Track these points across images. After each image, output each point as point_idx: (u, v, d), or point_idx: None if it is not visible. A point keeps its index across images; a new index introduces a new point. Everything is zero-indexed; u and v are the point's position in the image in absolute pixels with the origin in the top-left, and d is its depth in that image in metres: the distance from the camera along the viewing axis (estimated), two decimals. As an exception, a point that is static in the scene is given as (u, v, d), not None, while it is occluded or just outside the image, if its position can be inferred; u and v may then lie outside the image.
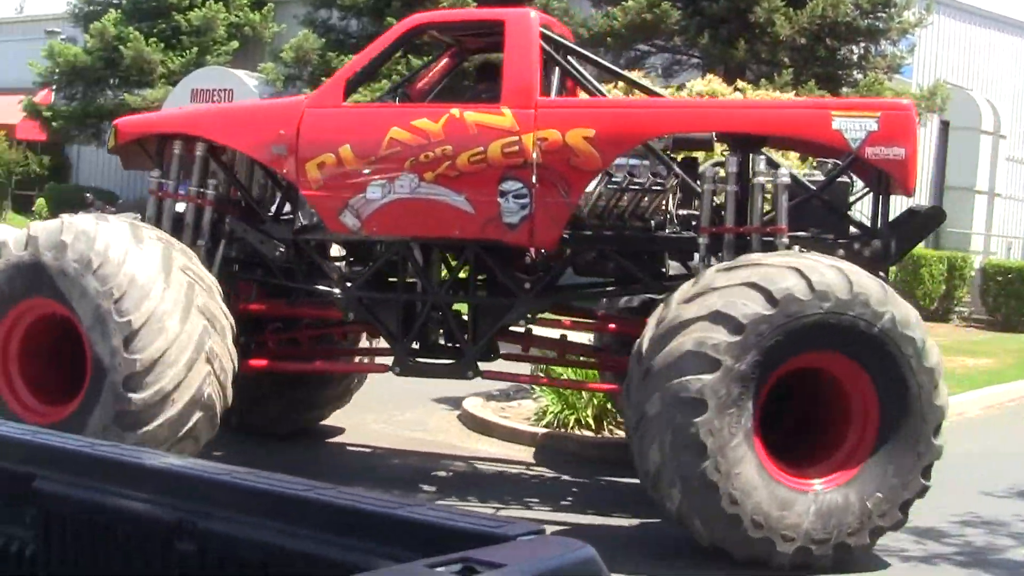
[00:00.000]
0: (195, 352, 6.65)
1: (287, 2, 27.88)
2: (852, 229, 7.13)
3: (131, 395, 6.48)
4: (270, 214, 7.91)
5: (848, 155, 6.78)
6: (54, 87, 29.22)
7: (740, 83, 19.73)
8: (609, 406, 9.08)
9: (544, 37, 7.23)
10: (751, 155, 6.87)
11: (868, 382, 6.01)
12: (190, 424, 6.70)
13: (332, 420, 9.33)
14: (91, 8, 27.25)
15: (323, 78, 23.64)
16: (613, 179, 7.06)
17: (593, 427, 9.17)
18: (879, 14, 20.39)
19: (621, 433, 8.84)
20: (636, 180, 7.04)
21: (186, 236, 7.65)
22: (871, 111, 6.81)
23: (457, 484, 7.90)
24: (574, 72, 7.43)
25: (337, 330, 8.40)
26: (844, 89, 20.03)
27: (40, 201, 31.01)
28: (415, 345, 7.87)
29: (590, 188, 7.12)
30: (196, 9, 26.48)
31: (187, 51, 26.23)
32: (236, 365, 7.11)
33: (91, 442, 1.96)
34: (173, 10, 26.40)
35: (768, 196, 7.02)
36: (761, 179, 6.79)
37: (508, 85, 7.05)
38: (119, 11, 26.73)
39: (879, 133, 6.66)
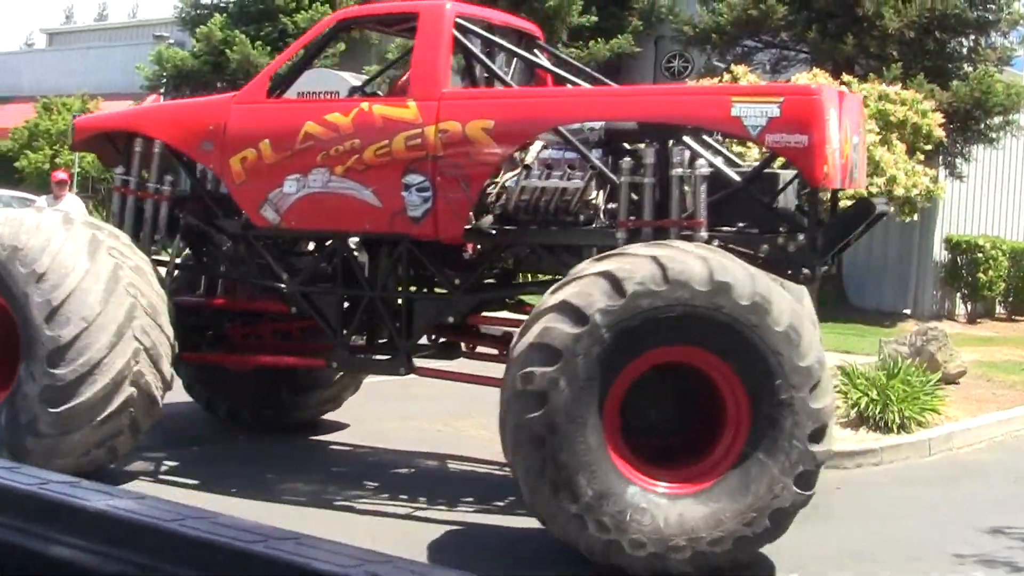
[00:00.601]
0: (119, 329, 6.96)
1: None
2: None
3: (54, 371, 6.82)
4: (223, 209, 8.19)
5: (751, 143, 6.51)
6: (161, 91, 30.24)
7: (846, 77, 19.21)
8: None
9: (462, 29, 7.33)
10: (670, 145, 6.76)
11: (738, 382, 5.81)
12: (120, 399, 7.01)
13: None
14: (198, 12, 28.27)
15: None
16: (532, 172, 7.09)
17: None
18: (988, 5, 19.62)
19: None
20: (553, 173, 7.04)
21: (145, 231, 8.12)
22: (773, 96, 6.64)
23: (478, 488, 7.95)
24: (486, 63, 7.51)
25: (293, 325, 8.61)
26: (954, 82, 19.24)
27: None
28: (364, 340, 8.10)
29: (511, 182, 7.20)
30: (302, 11, 27.20)
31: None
32: (174, 345, 7.46)
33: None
34: (279, 12, 27.19)
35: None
36: (678, 171, 6.66)
37: (414, 77, 7.20)
38: (225, 15, 27.71)
39: (780, 119, 6.44)
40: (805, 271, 6.61)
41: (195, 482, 7.58)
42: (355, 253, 7.92)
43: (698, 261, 5.80)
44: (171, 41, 29.11)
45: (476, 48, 7.47)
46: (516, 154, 7.37)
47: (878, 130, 17.89)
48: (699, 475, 5.87)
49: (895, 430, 9.62)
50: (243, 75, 27.11)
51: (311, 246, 8.43)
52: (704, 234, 6.56)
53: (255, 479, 7.71)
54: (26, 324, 6.92)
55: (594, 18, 24.69)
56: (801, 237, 6.63)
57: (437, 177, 7.03)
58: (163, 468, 8.09)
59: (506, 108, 7.06)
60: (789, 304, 5.80)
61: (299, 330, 8.56)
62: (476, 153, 6.94)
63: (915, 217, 18.66)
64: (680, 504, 5.74)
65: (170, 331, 7.44)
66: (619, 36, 24.44)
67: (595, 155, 6.95)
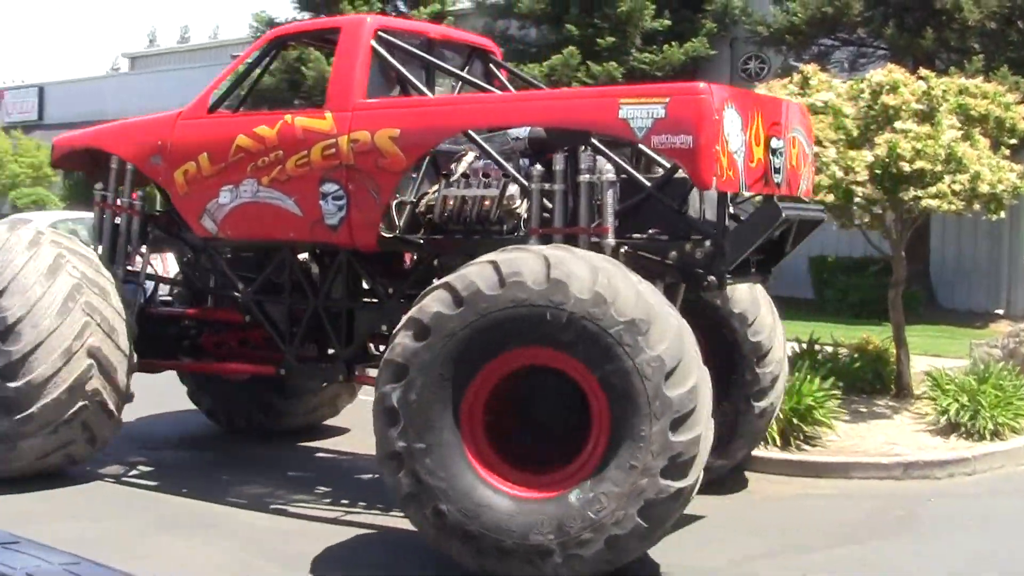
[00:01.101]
0: (71, 345, 7.58)
1: (466, 15, 28.58)
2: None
3: (8, 383, 7.53)
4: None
5: (635, 146, 6.76)
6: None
7: (923, 72, 18.68)
8: (795, 420, 9.10)
9: (383, 41, 7.64)
10: (578, 152, 6.82)
11: (594, 378, 5.80)
12: (73, 410, 7.71)
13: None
14: (273, 30, 28.60)
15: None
16: (453, 182, 7.33)
17: (778, 443, 9.03)
18: (1074, -8, 18.75)
19: (809, 449, 9.04)
20: (472, 182, 7.24)
21: (120, 244, 8.69)
22: (659, 97, 6.55)
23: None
24: (403, 73, 7.75)
25: (253, 334, 9.00)
26: (1040, 74, 18.59)
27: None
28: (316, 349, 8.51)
29: (431, 189, 7.49)
30: (375, 25, 27.27)
31: (370, 68, 27.09)
32: (131, 361, 8.03)
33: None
34: (354, 28, 27.32)
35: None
36: (585, 177, 6.71)
37: (331, 89, 7.54)
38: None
39: (665, 120, 6.41)
40: (710, 278, 6.60)
41: (186, 488, 8.11)
42: (304, 263, 8.33)
43: (536, 260, 5.85)
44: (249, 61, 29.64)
45: (395, 60, 7.70)
46: (454, 164, 7.65)
47: (959, 125, 17.30)
48: (570, 476, 5.90)
49: (988, 437, 9.38)
50: (319, 92, 27.56)
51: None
52: (611, 240, 6.59)
53: (240, 484, 8.22)
54: None
55: (667, 22, 24.59)
56: (708, 244, 6.62)
57: (349, 185, 7.30)
58: (155, 471, 8.70)
59: (410, 117, 7.25)
60: (633, 294, 5.77)
61: (262, 339, 8.85)
62: (383, 161, 7.15)
63: (1003, 215, 17.96)
64: (549, 507, 5.81)
65: (126, 346, 7.97)
66: (693, 39, 24.28)
67: (523, 163, 7.11)
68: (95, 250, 8.51)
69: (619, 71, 23.85)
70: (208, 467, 8.85)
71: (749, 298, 7.95)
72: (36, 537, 3.41)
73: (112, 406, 7.97)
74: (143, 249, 8.84)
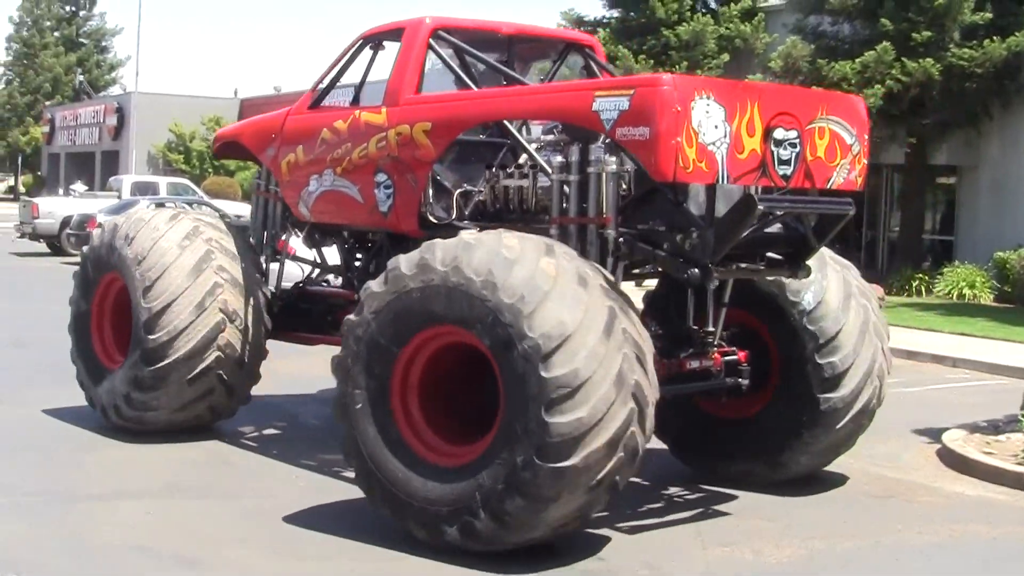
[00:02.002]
0: (203, 300, 8.82)
1: (777, 11, 28.25)
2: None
3: (148, 336, 8.83)
4: None
5: (605, 138, 7.10)
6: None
7: None
8: None
9: (440, 38, 8.46)
10: (590, 144, 7.28)
11: (492, 357, 6.32)
12: (207, 362, 8.89)
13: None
14: (581, 29, 29.29)
15: (813, 87, 23.59)
16: (493, 172, 8.05)
17: None
18: None
19: None
20: (508, 172, 7.94)
21: (268, 226, 9.98)
22: (626, 89, 6.92)
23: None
24: (453, 68, 8.54)
25: None
26: None
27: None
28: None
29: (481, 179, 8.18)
30: (684, 24, 27.71)
31: (676, 66, 27.57)
32: (266, 323, 9.27)
33: None
34: (661, 26, 28.17)
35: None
36: (592, 169, 7.22)
37: (388, 86, 8.44)
38: (607, 30, 28.69)
39: (628, 112, 6.78)
40: (694, 269, 6.97)
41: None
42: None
43: (455, 244, 6.51)
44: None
45: (448, 57, 8.52)
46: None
47: None
48: (476, 451, 6.47)
49: None
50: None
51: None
52: (612, 231, 7.11)
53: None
54: (133, 298, 9.00)
55: (988, 15, 23.26)
56: (695, 235, 7.01)
57: (395, 175, 8.23)
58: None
59: (438, 110, 8.08)
60: (533, 280, 6.19)
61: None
62: (418, 151, 8.02)
63: None
64: (456, 478, 6.43)
65: (260, 308, 9.23)
66: (1016, 33, 22.70)
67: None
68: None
69: (936, 68, 22.71)
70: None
71: (815, 284, 8.04)
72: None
73: (247, 359, 9.12)
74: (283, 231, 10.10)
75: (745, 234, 7.05)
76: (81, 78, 69.59)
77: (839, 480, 8.73)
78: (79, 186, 44.48)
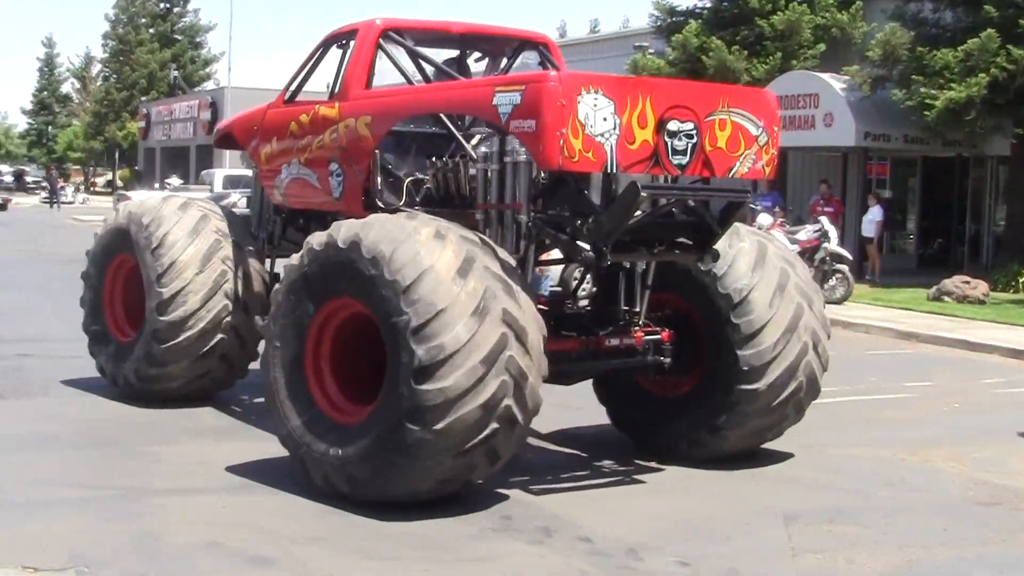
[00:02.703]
0: (210, 290, 9.92)
1: (880, -1, 27.35)
2: None
3: (160, 318, 9.94)
4: None
5: (498, 130, 7.76)
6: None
7: None
8: None
9: (389, 38, 9.25)
10: (506, 136, 7.87)
11: (381, 328, 7.10)
12: (212, 343, 10.04)
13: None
14: (673, 20, 29.19)
15: (914, 76, 22.99)
16: (432, 162, 8.73)
17: None
18: None
19: None
20: (449, 161, 8.62)
21: (263, 212, 10.83)
22: (519, 85, 7.55)
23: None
24: (397, 66, 9.43)
25: None
26: None
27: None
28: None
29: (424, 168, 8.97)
30: (778, 13, 27.42)
31: (771, 57, 27.28)
32: (265, 305, 9.94)
33: None
34: (755, 15, 27.82)
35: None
36: (508, 159, 7.85)
37: (341, 83, 9.32)
38: (700, 21, 28.52)
39: (520, 106, 7.40)
40: (588, 252, 7.54)
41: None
42: None
43: (357, 224, 7.34)
44: (651, 51, 30.12)
45: (396, 56, 9.38)
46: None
47: None
48: (366, 412, 7.30)
49: None
50: (720, 81, 27.55)
51: None
52: (524, 216, 7.81)
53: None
54: (145, 282, 10.08)
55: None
56: (591, 220, 7.61)
57: (344, 164, 9.07)
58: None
59: (375, 105, 8.90)
60: (415, 259, 6.87)
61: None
62: (361, 142, 8.84)
63: None
64: (346, 433, 7.29)
65: (259, 292, 10.16)
66: None
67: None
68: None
69: (1045, 55, 21.95)
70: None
71: (728, 259, 8.42)
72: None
73: (248, 340, 10.16)
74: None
75: (635, 220, 7.58)
76: (175, 74, 71.61)
77: (941, 485, 8.60)
78: (174, 180, 45.37)
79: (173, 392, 10.26)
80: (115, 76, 76.57)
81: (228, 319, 10.03)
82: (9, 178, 70.30)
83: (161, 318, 9.86)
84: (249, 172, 14.19)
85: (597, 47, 42.10)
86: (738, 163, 7.81)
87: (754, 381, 8.30)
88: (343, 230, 7.35)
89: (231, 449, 8.78)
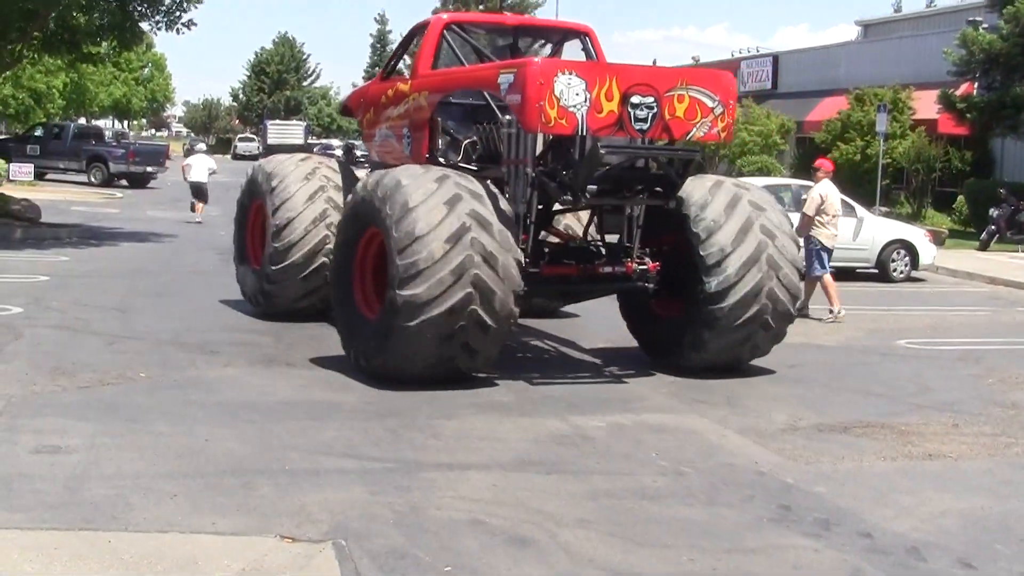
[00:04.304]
0: (315, 221, 12.61)
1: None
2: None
3: (273, 244, 12.79)
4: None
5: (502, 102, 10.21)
6: (972, 78, 29.30)
7: None
8: None
9: (452, 29, 11.85)
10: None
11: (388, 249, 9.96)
12: (313, 267, 12.57)
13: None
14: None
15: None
16: (476, 129, 11.32)
17: None
18: None
19: None
20: (484, 127, 11.22)
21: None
22: (514, 68, 9.98)
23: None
24: (455, 52, 11.85)
25: None
26: None
27: (959, 198, 31.27)
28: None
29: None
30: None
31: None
32: None
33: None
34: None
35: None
36: (512, 130, 10.34)
37: (413, 65, 12.09)
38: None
39: (513, 84, 9.82)
40: (566, 196, 10.01)
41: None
42: None
43: (381, 174, 9.84)
44: (985, 26, 28.30)
45: (454, 45, 11.93)
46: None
47: None
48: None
49: None
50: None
51: None
52: (529, 170, 10.15)
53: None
54: (266, 218, 13.11)
55: None
56: (566, 175, 10.06)
57: (412, 129, 11.69)
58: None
59: (431, 82, 11.40)
60: (410, 199, 9.34)
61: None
62: (422, 112, 11.45)
63: None
64: (368, 323, 10.16)
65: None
66: None
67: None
68: None
69: None
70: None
71: (704, 205, 10.48)
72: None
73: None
74: None
75: (605, 170, 9.85)
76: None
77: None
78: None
79: (288, 308, 12.96)
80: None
81: (328, 246, 12.36)
82: (339, 152, 74.06)
83: (274, 244, 12.78)
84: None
85: (932, 21, 40.41)
86: (694, 128, 9.98)
87: (719, 302, 10.38)
88: (372, 178, 10.09)
89: (513, 426, 8.86)
